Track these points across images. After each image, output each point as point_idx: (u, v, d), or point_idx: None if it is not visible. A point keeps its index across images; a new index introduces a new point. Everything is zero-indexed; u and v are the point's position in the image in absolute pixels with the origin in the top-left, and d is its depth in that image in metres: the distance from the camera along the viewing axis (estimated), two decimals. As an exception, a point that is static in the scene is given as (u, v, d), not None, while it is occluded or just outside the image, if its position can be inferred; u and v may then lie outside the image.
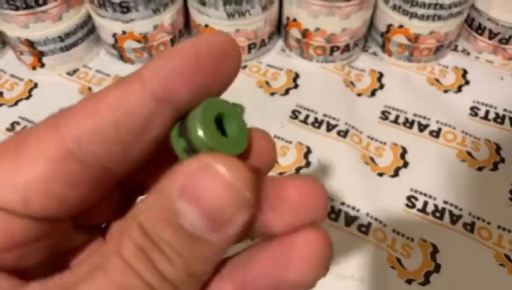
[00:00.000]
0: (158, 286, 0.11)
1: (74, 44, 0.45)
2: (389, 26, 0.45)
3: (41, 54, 0.45)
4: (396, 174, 0.40)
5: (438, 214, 0.37)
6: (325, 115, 0.43)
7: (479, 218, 0.37)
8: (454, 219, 0.37)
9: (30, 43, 0.44)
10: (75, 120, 0.12)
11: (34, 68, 0.46)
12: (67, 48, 0.45)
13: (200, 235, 0.11)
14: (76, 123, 0.12)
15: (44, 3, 0.41)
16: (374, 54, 0.48)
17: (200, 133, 0.12)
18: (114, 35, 0.44)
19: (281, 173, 0.39)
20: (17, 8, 0.41)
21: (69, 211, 0.12)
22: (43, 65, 0.46)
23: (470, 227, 0.36)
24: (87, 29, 0.46)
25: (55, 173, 0.12)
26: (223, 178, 0.11)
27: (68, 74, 0.46)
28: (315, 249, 0.13)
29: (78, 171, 0.12)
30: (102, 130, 0.12)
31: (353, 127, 0.42)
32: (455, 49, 0.49)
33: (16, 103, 0.44)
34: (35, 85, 0.46)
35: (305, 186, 0.13)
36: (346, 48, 0.46)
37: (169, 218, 0.11)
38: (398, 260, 0.35)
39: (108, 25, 0.44)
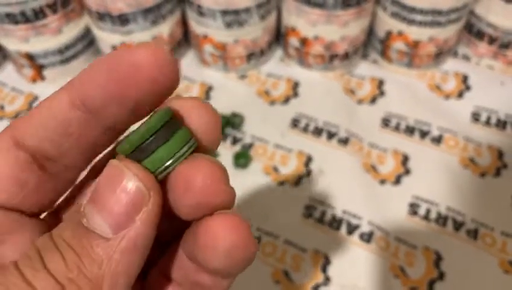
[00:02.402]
0: (37, 283, 0.12)
1: (74, 56, 0.45)
2: (388, 33, 0.45)
3: (42, 67, 0.45)
4: (398, 181, 0.39)
5: (441, 221, 0.37)
6: (325, 123, 0.43)
7: (482, 224, 0.36)
8: (458, 225, 0.37)
9: (30, 57, 0.44)
10: (21, 121, 0.14)
11: (34, 81, 0.46)
12: (67, 61, 0.45)
13: (96, 233, 0.12)
14: (21, 123, 0.14)
15: (44, 17, 0.41)
16: (374, 61, 0.48)
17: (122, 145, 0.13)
18: (113, 47, 0.45)
19: (281, 183, 0.39)
20: (17, 22, 0.41)
21: (27, 195, 0.14)
22: (43, 78, 0.46)
23: (474, 234, 0.36)
24: (87, 42, 0.46)
25: (7, 158, 0.14)
26: (119, 171, 0.12)
27: (68, 86, 0.46)
28: (224, 238, 0.13)
29: (25, 157, 0.14)
30: (35, 130, 0.13)
31: (354, 135, 0.42)
32: (455, 55, 0.49)
33: (16, 116, 0.44)
34: (36, 98, 0.46)
35: (206, 168, 0.13)
36: (346, 56, 0.46)
37: (73, 220, 0.12)
38: (402, 269, 0.34)
39: (107, 37, 0.44)
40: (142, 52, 0.13)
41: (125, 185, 0.12)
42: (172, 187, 0.13)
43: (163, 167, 0.13)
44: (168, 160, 0.13)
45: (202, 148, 0.14)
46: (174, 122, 0.13)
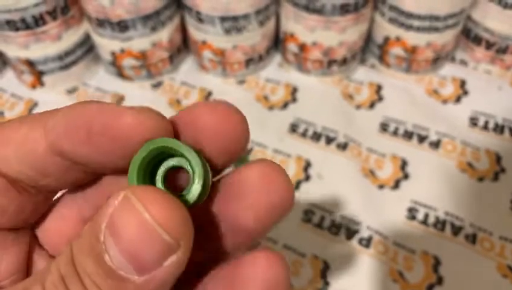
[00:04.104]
0: None
1: (73, 63, 0.46)
2: (386, 38, 0.45)
3: (41, 73, 0.45)
4: (396, 186, 0.39)
5: (439, 226, 0.37)
6: (324, 128, 0.43)
7: (480, 229, 0.37)
8: (456, 230, 0.37)
9: (30, 63, 0.44)
10: None
11: (34, 87, 0.47)
12: (66, 67, 0.45)
13: (122, 275, 0.11)
14: None
15: (44, 23, 0.42)
16: (372, 66, 0.49)
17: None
18: (112, 53, 0.45)
19: (280, 187, 0.39)
20: (17, 29, 0.41)
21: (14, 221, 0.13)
22: (43, 84, 0.46)
23: (472, 238, 0.36)
24: (86, 48, 0.46)
25: None
26: (138, 215, 0.10)
27: (68, 92, 0.47)
28: (268, 271, 0.12)
29: (2, 182, 0.13)
30: (11, 162, 0.13)
31: (352, 140, 0.42)
32: (453, 60, 0.49)
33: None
34: (36, 104, 0.46)
35: (264, 169, 0.13)
36: (344, 61, 0.46)
37: (95, 250, 0.11)
38: (400, 273, 0.35)
39: (106, 43, 0.44)
40: (125, 120, 0.12)
41: (147, 231, 0.10)
42: (239, 191, 0.13)
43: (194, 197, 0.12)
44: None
45: (232, 155, 0.13)
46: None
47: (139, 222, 0.10)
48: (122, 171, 0.13)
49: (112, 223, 0.11)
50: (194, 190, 0.12)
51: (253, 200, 0.13)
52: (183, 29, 0.47)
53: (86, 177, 0.13)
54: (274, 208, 0.13)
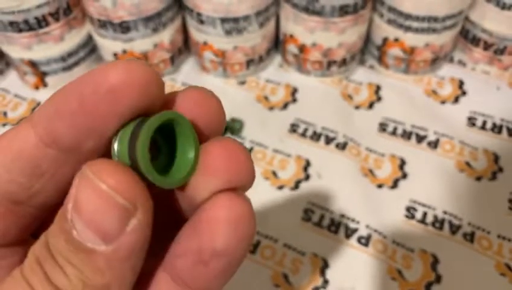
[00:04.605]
0: None
1: (76, 64, 0.46)
2: (385, 39, 0.46)
3: (44, 74, 0.46)
4: (395, 185, 0.40)
5: (437, 225, 0.37)
6: (323, 128, 0.44)
7: (478, 228, 0.37)
8: (454, 229, 0.37)
9: (33, 64, 0.45)
10: None
11: (37, 88, 0.47)
12: (69, 68, 0.46)
13: (90, 247, 0.11)
14: None
15: (47, 25, 0.42)
16: (371, 67, 0.49)
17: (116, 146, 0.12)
18: (114, 54, 0.45)
19: (280, 187, 0.40)
20: (20, 30, 0.42)
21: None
22: (45, 85, 0.47)
23: (470, 237, 0.37)
24: (89, 49, 0.47)
25: None
26: (94, 186, 0.11)
27: (70, 93, 0.47)
28: (227, 211, 0.12)
29: None
30: None
31: (351, 140, 0.43)
32: (451, 60, 0.49)
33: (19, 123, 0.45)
34: (38, 104, 0.47)
35: (227, 146, 0.13)
36: (343, 62, 0.46)
37: (64, 229, 0.11)
38: (399, 271, 0.35)
39: (109, 44, 0.45)
40: (115, 74, 0.11)
41: (105, 200, 0.11)
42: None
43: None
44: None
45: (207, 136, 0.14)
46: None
47: (95, 192, 0.11)
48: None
49: (75, 201, 0.11)
50: (183, 170, 0.12)
51: (215, 182, 0.13)
52: (184, 31, 0.48)
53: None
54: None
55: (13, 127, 0.13)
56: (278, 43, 0.49)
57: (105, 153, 0.13)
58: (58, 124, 0.12)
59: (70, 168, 0.13)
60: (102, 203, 0.11)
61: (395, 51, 0.46)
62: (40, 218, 0.14)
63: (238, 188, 0.13)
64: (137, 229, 0.11)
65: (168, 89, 0.48)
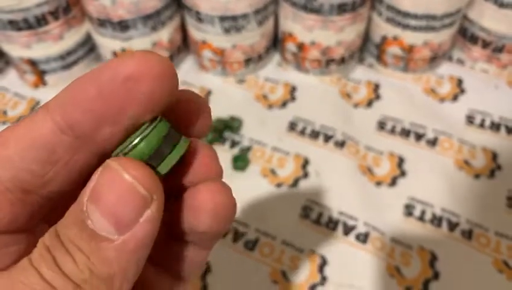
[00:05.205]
0: (57, 283, 0.12)
1: (75, 62, 0.46)
2: (384, 37, 0.46)
3: (43, 72, 0.46)
4: (393, 183, 0.40)
5: (436, 222, 0.37)
6: (322, 127, 0.44)
7: (476, 225, 0.37)
8: (452, 226, 0.37)
9: (32, 63, 0.45)
10: None
11: (36, 86, 0.47)
12: (68, 66, 0.46)
13: (103, 235, 0.12)
14: None
15: (46, 23, 0.42)
16: (370, 65, 0.49)
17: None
18: (113, 53, 0.45)
19: (279, 185, 0.40)
20: (19, 29, 0.42)
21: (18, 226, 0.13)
22: (45, 83, 0.47)
23: (468, 234, 0.37)
24: (88, 48, 0.47)
25: None
26: (118, 176, 0.12)
27: (70, 91, 0.47)
28: (212, 199, 0.14)
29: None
30: (10, 161, 0.12)
31: (350, 138, 0.43)
32: (450, 59, 0.49)
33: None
34: (38, 103, 0.47)
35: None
36: (342, 61, 0.46)
37: (78, 219, 0.12)
38: (397, 268, 0.35)
39: (108, 43, 0.45)
40: (133, 63, 0.12)
41: (126, 189, 0.12)
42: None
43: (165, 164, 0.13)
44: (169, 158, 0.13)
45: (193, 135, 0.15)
46: (173, 133, 0.14)
47: (119, 182, 0.12)
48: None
49: (94, 192, 0.12)
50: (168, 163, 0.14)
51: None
52: (183, 29, 0.48)
53: (93, 161, 0.13)
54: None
55: (29, 115, 0.13)
56: (276, 41, 0.49)
57: (118, 145, 0.13)
58: (75, 110, 0.12)
59: (84, 157, 0.13)
60: (124, 193, 0.12)
61: (393, 49, 0.46)
62: (48, 207, 0.14)
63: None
64: (149, 220, 0.12)
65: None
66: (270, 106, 0.46)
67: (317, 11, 0.42)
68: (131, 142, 0.13)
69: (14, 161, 0.12)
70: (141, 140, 0.13)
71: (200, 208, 0.14)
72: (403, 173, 0.40)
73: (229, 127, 0.43)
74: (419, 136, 0.43)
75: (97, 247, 0.12)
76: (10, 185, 0.12)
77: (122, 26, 0.43)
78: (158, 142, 0.13)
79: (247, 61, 0.47)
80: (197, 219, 0.14)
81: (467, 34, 0.47)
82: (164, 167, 0.13)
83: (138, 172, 0.12)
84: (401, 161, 0.41)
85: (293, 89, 0.47)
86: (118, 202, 0.12)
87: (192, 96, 0.15)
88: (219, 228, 0.14)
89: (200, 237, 0.15)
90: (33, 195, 0.13)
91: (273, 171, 0.41)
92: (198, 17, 0.44)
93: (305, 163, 0.41)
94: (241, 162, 0.41)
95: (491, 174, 0.40)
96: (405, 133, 0.43)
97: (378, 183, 0.40)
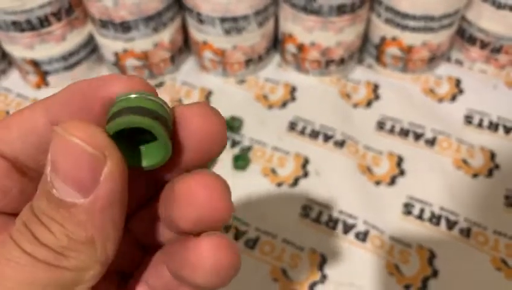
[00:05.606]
0: (39, 254, 0.12)
1: (77, 63, 0.47)
2: (383, 38, 0.46)
3: (46, 73, 0.46)
4: (393, 182, 0.40)
5: (434, 221, 0.38)
6: (322, 126, 0.44)
7: (475, 223, 0.37)
8: (451, 225, 0.38)
9: (35, 63, 0.45)
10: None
11: (38, 87, 0.48)
12: (70, 67, 0.46)
13: (69, 201, 0.12)
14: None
15: (49, 24, 0.43)
16: (369, 66, 0.50)
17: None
18: (115, 53, 0.46)
19: (279, 184, 0.40)
20: (22, 30, 0.42)
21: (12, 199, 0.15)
22: (47, 84, 0.47)
23: (466, 232, 0.37)
24: (90, 49, 0.47)
25: None
26: (65, 141, 0.12)
27: (72, 92, 0.48)
28: (212, 259, 0.13)
29: (4, 164, 0.14)
30: (14, 142, 0.14)
31: (350, 138, 0.43)
32: (449, 59, 0.50)
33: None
34: (40, 103, 0.47)
35: (209, 182, 0.14)
36: (341, 61, 0.47)
37: (45, 190, 0.12)
38: (396, 267, 0.35)
39: (110, 44, 0.45)
40: (117, 85, 0.13)
41: (76, 152, 0.12)
42: (173, 199, 0.14)
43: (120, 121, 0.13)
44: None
45: (206, 155, 0.14)
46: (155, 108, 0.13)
47: (67, 145, 0.12)
48: None
49: (52, 161, 0.12)
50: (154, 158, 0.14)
51: (195, 216, 0.14)
52: (184, 30, 0.48)
53: None
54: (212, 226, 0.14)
55: (29, 106, 0.14)
56: (276, 42, 0.50)
57: None
58: (66, 113, 0.13)
59: None
60: (74, 155, 0.12)
61: (392, 50, 0.46)
62: None
63: (212, 225, 0.14)
64: (109, 178, 0.12)
65: (168, 88, 0.49)
66: (270, 106, 0.46)
67: (316, 12, 0.42)
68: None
69: (16, 143, 0.14)
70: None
71: (199, 266, 0.13)
72: (402, 173, 0.41)
73: (229, 127, 0.44)
74: (418, 136, 0.43)
75: (68, 213, 0.12)
76: (15, 161, 0.14)
77: (124, 27, 0.43)
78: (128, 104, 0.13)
79: (248, 62, 0.47)
80: (195, 276, 0.13)
81: (465, 35, 0.47)
82: (112, 126, 0.13)
83: (83, 133, 0.12)
84: (400, 161, 0.42)
85: (293, 90, 0.48)
86: (73, 165, 0.12)
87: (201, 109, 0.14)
88: (219, 286, 0.14)
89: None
90: (36, 172, 0.14)
91: (273, 171, 0.41)
92: (199, 19, 0.44)
93: (305, 162, 0.42)
94: (241, 161, 0.41)
95: (489, 173, 0.41)
96: (404, 132, 0.44)
97: (378, 183, 0.40)
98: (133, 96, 0.13)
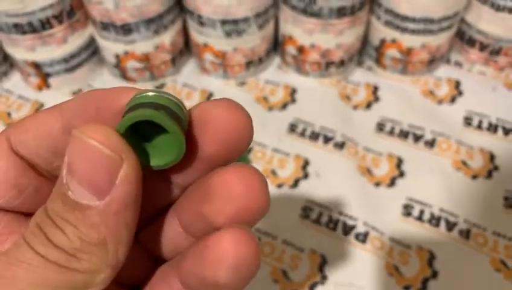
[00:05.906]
0: (51, 256, 0.12)
1: (79, 65, 0.47)
2: (382, 41, 0.46)
3: (47, 75, 0.46)
4: (392, 184, 0.40)
5: (434, 222, 0.38)
6: (322, 128, 0.44)
7: (474, 225, 0.38)
8: (450, 226, 0.38)
9: (36, 65, 0.45)
10: (17, 130, 0.15)
11: (40, 89, 0.48)
12: (72, 69, 0.47)
13: (84, 203, 0.12)
14: (17, 132, 0.15)
15: (50, 27, 0.43)
16: (369, 68, 0.50)
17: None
18: (116, 56, 0.46)
19: (279, 185, 0.40)
20: (24, 32, 0.43)
21: (25, 197, 0.15)
22: (49, 86, 0.47)
23: (466, 234, 0.37)
24: (91, 51, 0.48)
25: (5, 163, 0.14)
26: (83, 143, 0.12)
27: (73, 93, 0.48)
28: (233, 252, 0.13)
29: (21, 162, 0.15)
30: (29, 143, 0.14)
31: (350, 139, 0.43)
32: (448, 61, 0.50)
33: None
34: (42, 105, 0.48)
35: (246, 174, 0.13)
36: (341, 63, 0.47)
37: (60, 192, 0.13)
38: (396, 268, 0.36)
39: (111, 46, 0.46)
40: (124, 97, 0.13)
41: (94, 154, 0.12)
42: (207, 193, 0.13)
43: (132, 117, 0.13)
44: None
45: (234, 150, 0.14)
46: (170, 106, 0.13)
47: (84, 148, 0.12)
48: None
49: (69, 163, 0.12)
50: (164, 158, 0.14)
51: (231, 211, 0.13)
52: (185, 33, 0.49)
53: None
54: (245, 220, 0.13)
55: (45, 110, 0.15)
56: (277, 44, 0.50)
57: None
58: (79, 121, 0.14)
59: None
60: (92, 157, 0.12)
61: (392, 52, 0.47)
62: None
63: (251, 219, 0.13)
64: (125, 181, 0.12)
65: (169, 90, 0.49)
66: (271, 108, 0.46)
67: (316, 14, 0.43)
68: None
69: (31, 145, 0.14)
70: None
71: (218, 261, 0.13)
72: (401, 174, 0.41)
73: (230, 128, 0.44)
74: (417, 138, 0.44)
75: (82, 215, 0.12)
76: (30, 160, 0.14)
77: (125, 29, 0.44)
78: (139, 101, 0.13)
79: (248, 64, 0.48)
80: (216, 273, 0.13)
81: (464, 37, 0.48)
82: (122, 123, 0.13)
83: (100, 135, 0.12)
84: (399, 162, 0.42)
85: (293, 91, 0.48)
86: (90, 168, 0.12)
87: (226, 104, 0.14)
88: (241, 284, 0.13)
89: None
90: (50, 173, 0.15)
91: (273, 172, 0.41)
92: (200, 21, 0.44)
93: (305, 164, 0.42)
94: (242, 162, 0.41)
95: (489, 174, 0.41)
96: (404, 134, 0.44)
97: (377, 184, 0.40)
98: (149, 94, 0.13)
